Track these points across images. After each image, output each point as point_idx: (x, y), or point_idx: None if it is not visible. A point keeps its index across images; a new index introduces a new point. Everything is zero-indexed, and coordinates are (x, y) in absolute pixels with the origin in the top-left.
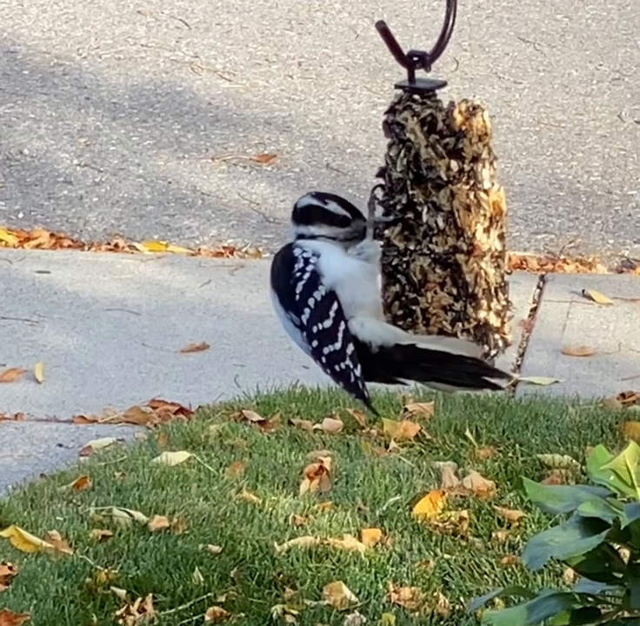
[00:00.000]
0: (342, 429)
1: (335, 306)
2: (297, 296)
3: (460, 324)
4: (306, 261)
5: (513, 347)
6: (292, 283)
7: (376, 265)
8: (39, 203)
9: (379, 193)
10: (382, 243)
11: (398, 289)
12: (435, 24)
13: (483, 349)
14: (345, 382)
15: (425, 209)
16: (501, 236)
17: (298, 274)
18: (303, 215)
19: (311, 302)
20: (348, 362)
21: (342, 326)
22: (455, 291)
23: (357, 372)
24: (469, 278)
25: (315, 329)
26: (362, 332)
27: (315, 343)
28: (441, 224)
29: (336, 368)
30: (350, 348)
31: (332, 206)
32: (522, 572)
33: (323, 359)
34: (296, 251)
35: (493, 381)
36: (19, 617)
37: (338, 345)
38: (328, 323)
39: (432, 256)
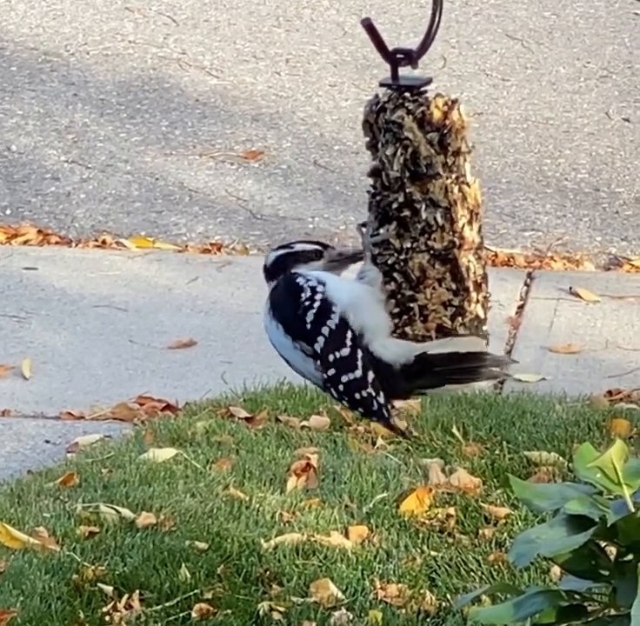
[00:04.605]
0: (329, 426)
1: (350, 334)
2: (309, 325)
3: (460, 319)
4: (313, 290)
5: (500, 344)
6: (301, 312)
7: (378, 288)
8: (27, 200)
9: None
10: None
11: (394, 287)
12: (422, 21)
13: (485, 341)
14: (366, 408)
15: (423, 207)
16: (479, 228)
17: (307, 303)
18: (277, 267)
19: (325, 330)
20: (369, 389)
21: (359, 353)
22: (454, 286)
23: (381, 399)
24: (464, 272)
25: (331, 358)
26: (386, 354)
27: (331, 372)
28: (440, 220)
29: (356, 396)
30: (371, 375)
31: (298, 246)
32: (508, 569)
33: (341, 387)
34: (300, 280)
35: (498, 369)
36: (6, 614)
37: (359, 373)
38: (345, 351)
39: (431, 252)
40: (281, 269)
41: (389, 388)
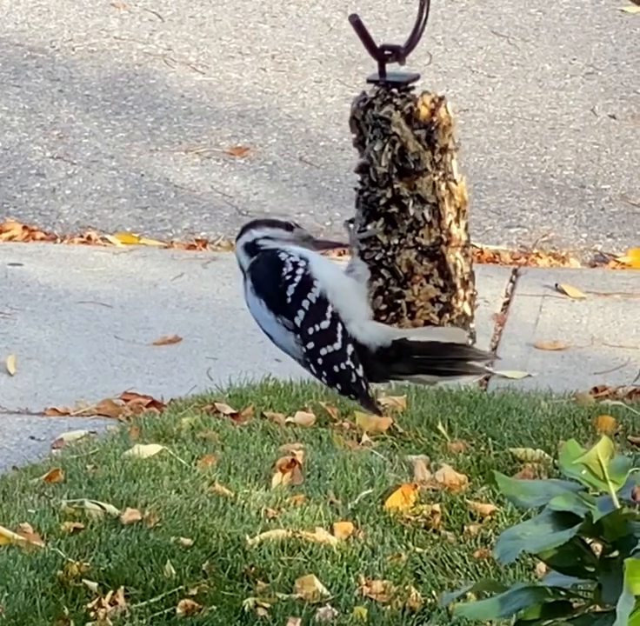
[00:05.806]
0: (314, 422)
1: (330, 307)
2: (289, 299)
3: (447, 315)
4: (295, 265)
5: (486, 341)
6: (282, 286)
7: (365, 284)
8: (12, 196)
9: (351, 225)
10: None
11: (382, 283)
12: (408, 18)
13: (468, 333)
14: (344, 383)
15: (411, 203)
16: (466, 226)
17: (288, 277)
18: (246, 225)
19: (305, 304)
20: (349, 362)
21: (339, 327)
22: (441, 283)
23: (360, 372)
24: (451, 269)
25: (311, 331)
26: (361, 335)
27: (311, 345)
28: (427, 217)
29: (335, 368)
30: (350, 348)
31: (274, 216)
32: (494, 566)
33: (320, 360)
34: (282, 256)
35: (480, 365)
36: None
37: (338, 345)
38: (325, 324)
39: (419, 248)
40: (249, 228)
41: (364, 370)
